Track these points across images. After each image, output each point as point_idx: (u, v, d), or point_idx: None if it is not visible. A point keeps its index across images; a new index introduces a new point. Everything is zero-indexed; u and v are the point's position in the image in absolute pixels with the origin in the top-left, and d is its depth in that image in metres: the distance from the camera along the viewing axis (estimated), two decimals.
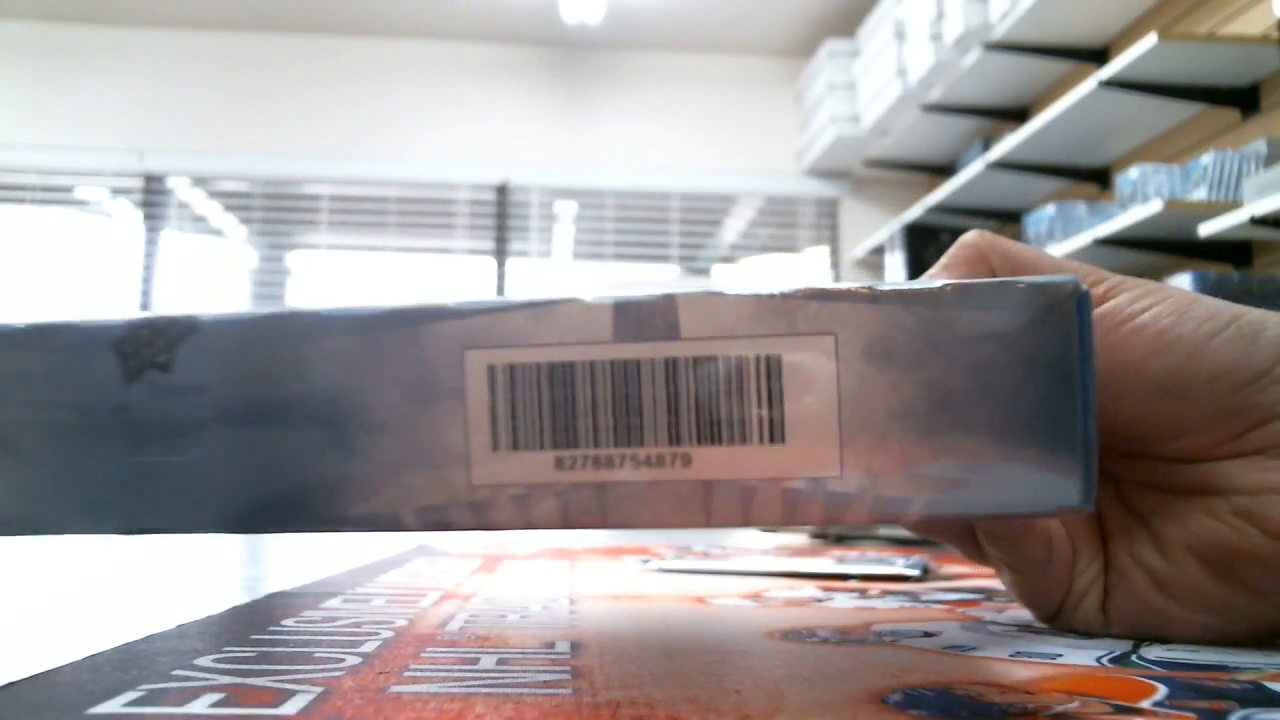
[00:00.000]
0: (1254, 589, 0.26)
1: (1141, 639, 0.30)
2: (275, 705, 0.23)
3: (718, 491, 0.17)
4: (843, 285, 0.18)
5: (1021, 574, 0.31)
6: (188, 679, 0.25)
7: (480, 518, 0.18)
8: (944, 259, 0.30)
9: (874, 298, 0.17)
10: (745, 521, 0.18)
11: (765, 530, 0.89)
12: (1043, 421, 0.17)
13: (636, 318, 0.17)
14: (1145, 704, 0.26)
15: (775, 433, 0.17)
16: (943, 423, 0.17)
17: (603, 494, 0.18)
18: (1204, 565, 0.26)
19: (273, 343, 0.17)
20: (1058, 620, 0.32)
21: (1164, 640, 0.30)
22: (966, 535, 0.32)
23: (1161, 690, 0.27)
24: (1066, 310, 0.17)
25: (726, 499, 0.17)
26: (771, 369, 0.16)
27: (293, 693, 0.24)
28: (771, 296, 0.17)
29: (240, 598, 0.41)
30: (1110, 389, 0.25)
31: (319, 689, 0.25)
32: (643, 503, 0.18)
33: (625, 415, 0.17)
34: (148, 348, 0.17)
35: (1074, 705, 0.25)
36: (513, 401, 0.17)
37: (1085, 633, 0.31)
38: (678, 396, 0.17)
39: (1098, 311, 0.25)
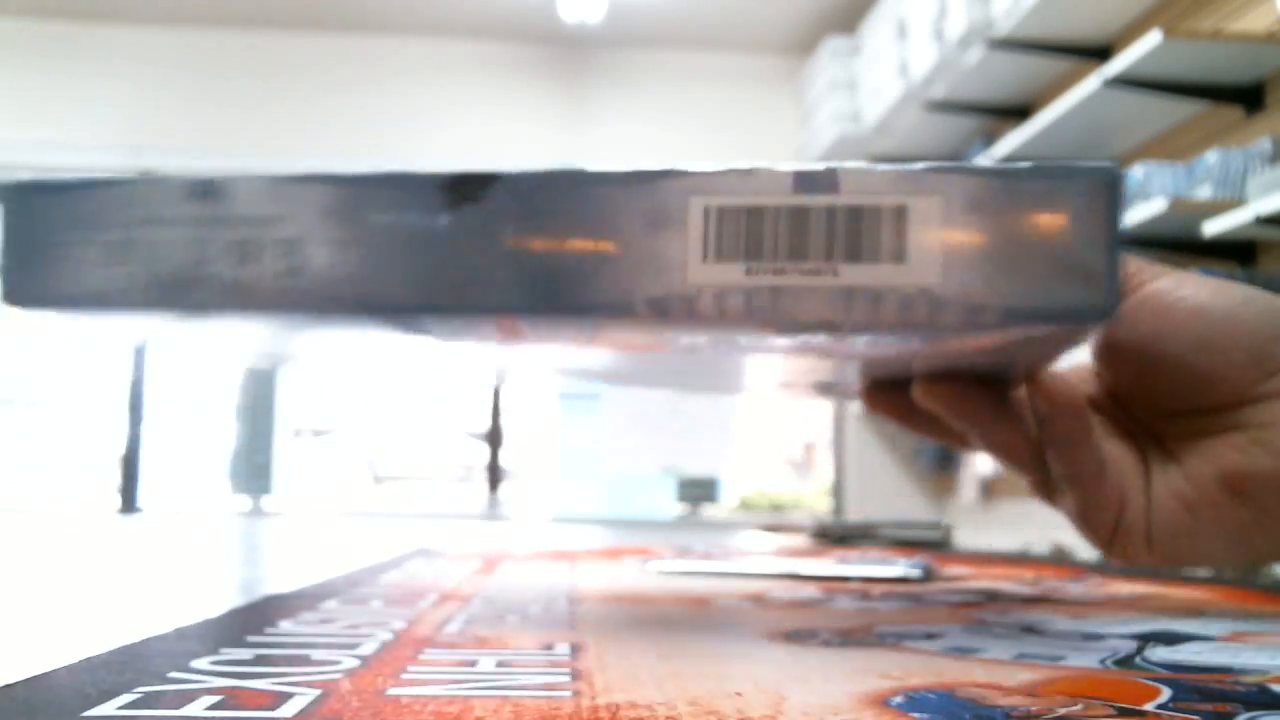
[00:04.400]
0: (1263, 506, 0.31)
1: (1178, 563, 0.35)
2: (273, 708, 0.22)
3: (856, 295, 0.25)
4: (951, 163, 0.25)
5: (1080, 489, 0.35)
6: (184, 681, 0.25)
7: (689, 307, 0.26)
8: None
9: (972, 171, 0.25)
10: (874, 317, 0.25)
11: (765, 530, 0.89)
12: (1082, 248, 0.25)
13: (809, 180, 0.25)
14: (1149, 706, 0.26)
15: (900, 255, 0.25)
16: (1014, 252, 0.24)
17: (776, 294, 0.25)
18: (1224, 488, 0.32)
19: (557, 187, 0.25)
20: (1111, 549, 0.36)
21: (1195, 563, 0.35)
22: (1036, 457, 0.35)
23: (1165, 693, 0.27)
24: (1104, 183, 0.25)
25: (862, 300, 0.25)
26: (899, 214, 0.24)
27: (290, 695, 0.24)
28: (902, 170, 0.25)
29: (237, 599, 0.40)
30: (1157, 348, 0.31)
31: (317, 691, 0.25)
32: (802, 299, 0.25)
33: (795, 240, 0.25)
34: (466, 185, 0.25)
35: (1077, 708, 0.25)
36: (720, 231, 0.25)
37: (1132, 561, 0.36)
38: (834, 230, 0.25)
39: (1148, 290, 0.32)
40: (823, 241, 0.25)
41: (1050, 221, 0.25)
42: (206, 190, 0.25)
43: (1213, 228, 1.74)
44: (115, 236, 0.25)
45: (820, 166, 0.25)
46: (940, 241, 0.24)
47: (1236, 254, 1.98)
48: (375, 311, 0.25)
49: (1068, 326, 0.25)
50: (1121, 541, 0.35)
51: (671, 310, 0.25)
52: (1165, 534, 0.33)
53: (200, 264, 0.25)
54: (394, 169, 0.25)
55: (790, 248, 0.25)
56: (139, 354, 3.58)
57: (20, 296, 0.26)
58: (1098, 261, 0.25)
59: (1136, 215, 1.90)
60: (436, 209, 0.25)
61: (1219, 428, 0.31)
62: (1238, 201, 1.74)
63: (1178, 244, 1.98)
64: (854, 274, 0.25)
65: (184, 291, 0.25)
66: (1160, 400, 0.32)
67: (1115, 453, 0.34)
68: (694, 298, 0.25)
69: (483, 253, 0.25)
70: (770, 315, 0.25)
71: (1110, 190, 0.26)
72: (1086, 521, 0.35)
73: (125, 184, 0.25)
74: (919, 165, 0.25)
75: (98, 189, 0.26)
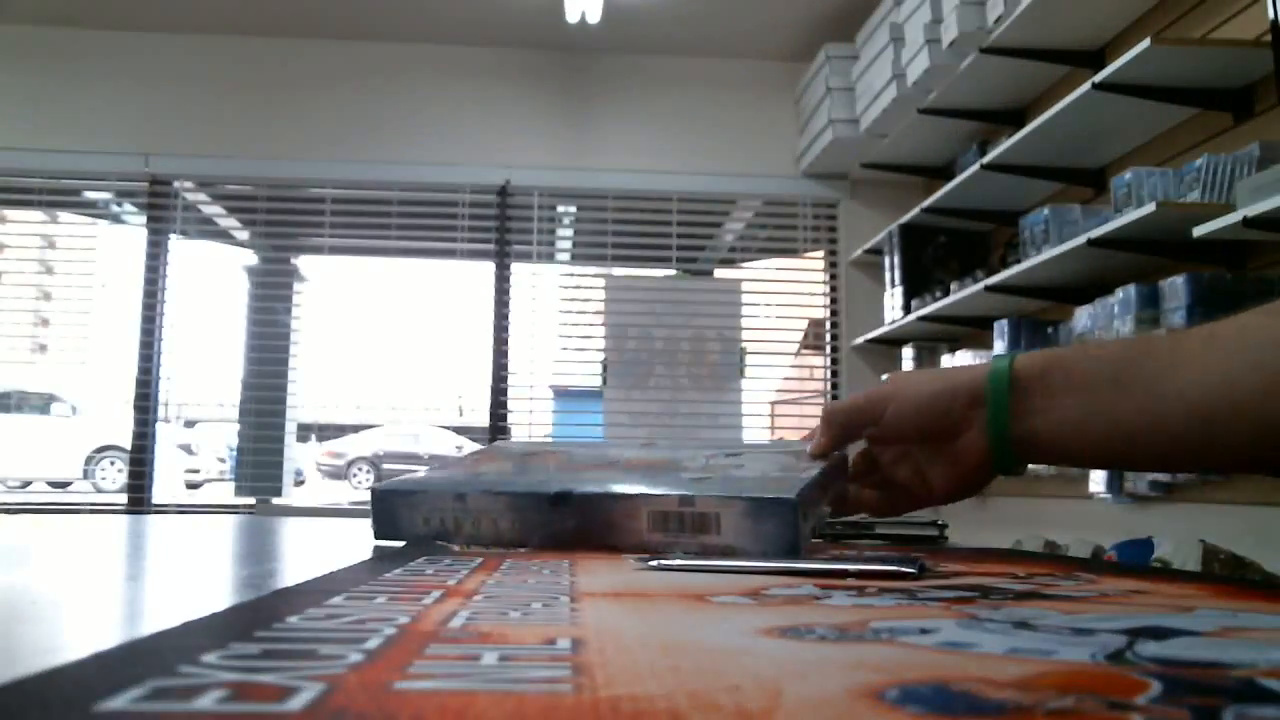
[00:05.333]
0: (982, 472, 0.66)
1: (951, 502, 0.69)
2: (281, 701, 0.23)
3: (704, 546, 0.67)
4: (734, 495, 0.66)
5: (885, 493, 0.74)
6: (194, 675, 0.25)
7: (644, 546, 0.69)
8: (818, 429, 0.73)
9: (744, 499, 0.64)
10: (709, 553, 0.66)
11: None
12: (784, 532, 0.62)
13: (688, 501, 0.67)
14: (1140, 700, 0.26)
15: (719, 531, 0.67)
16: (758, 529, 0.63)
17: (673, 544, 0.69)
18: (968, 467, 0.67)
19: (592, 499, 0.69)
20: (900, 511, 0.74)
21: (957, 500, 0.69)
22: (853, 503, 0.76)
23: (1155, 686, 0.28)
24: (790, 507, 0.62)
25: (704, 549, 0.67)
26: (718, 517, 0.65)
27: (298, 689, 0.24)
28: (720, 497, 0.66)
29: (245, 595, 0.41)
30: (898, 428, 0.68)
31: (323, 685, 0.25)
32: (681, 545, 0.68)
33: (680, 525, 0.68)
34: (560, 497, 0.69)
35: (1069, 702, 0.26)
36: (653, 520, 0.69)
37: (918, 508, 0.72)
38: (694, 521, 0.67)
39: (885, 390, 0.69)
40: (691, 525, 0.63)
41: (773, 520, 0.61)
42: (458, 494, 0.69)
43: (1201, 231, 1.75)
44: (423, 513, 0.70)
45: (690, 494, 0.64)
46: (733, 526, 0.62)
47: (1225, 257, 1.99)
48: (522, 544, 0.68)
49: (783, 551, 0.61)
50: (907, 506, 0.72)
51: (636, 548, 0.64)
52: (943, 495, 0.68)
53: (459, 525, 0.70)
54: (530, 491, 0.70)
55: (679, 527, 0.64)
56: (147, 354, 3.57)
57: (382, 536, 0.72)
58: (790, 534, 0.61)
59: (1126, 219, 1.91)
60: (547, 507, 0.68)
61: (947, 445, 0.66)
62: (1226, 206, 1.75)
63: (1167, 247, 1.99)
64: (703, 538, 0.63)
65: (450, 537, 0.70)
66: (913, 440, 0.69)
67: (903, 470, 0.71)
68: (646, 543, 0.65)
69: (563, 523, 0.68)
70: (669, 548, 0.63)
71: (793, 510, 0.61)
72: (893, 507, 0.73)
73: (428, 490, 0.71)
74: (720, 495, 0.64)
75: (415, 493, 0.71)
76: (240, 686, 0.25)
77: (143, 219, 3.87)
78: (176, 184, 3.88)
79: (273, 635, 0.32)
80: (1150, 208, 1.86)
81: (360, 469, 11.18)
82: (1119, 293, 1.98)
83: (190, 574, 0.52)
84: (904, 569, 0.50)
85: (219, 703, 0.23)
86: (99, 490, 7.96)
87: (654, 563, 0.55)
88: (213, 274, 4.05)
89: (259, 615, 0.36)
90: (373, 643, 0.31)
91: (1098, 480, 2.17)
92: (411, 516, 0.78)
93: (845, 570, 0.50)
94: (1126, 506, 2.17)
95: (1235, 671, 0.31)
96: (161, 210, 3.84)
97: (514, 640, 0.33)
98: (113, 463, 8.14)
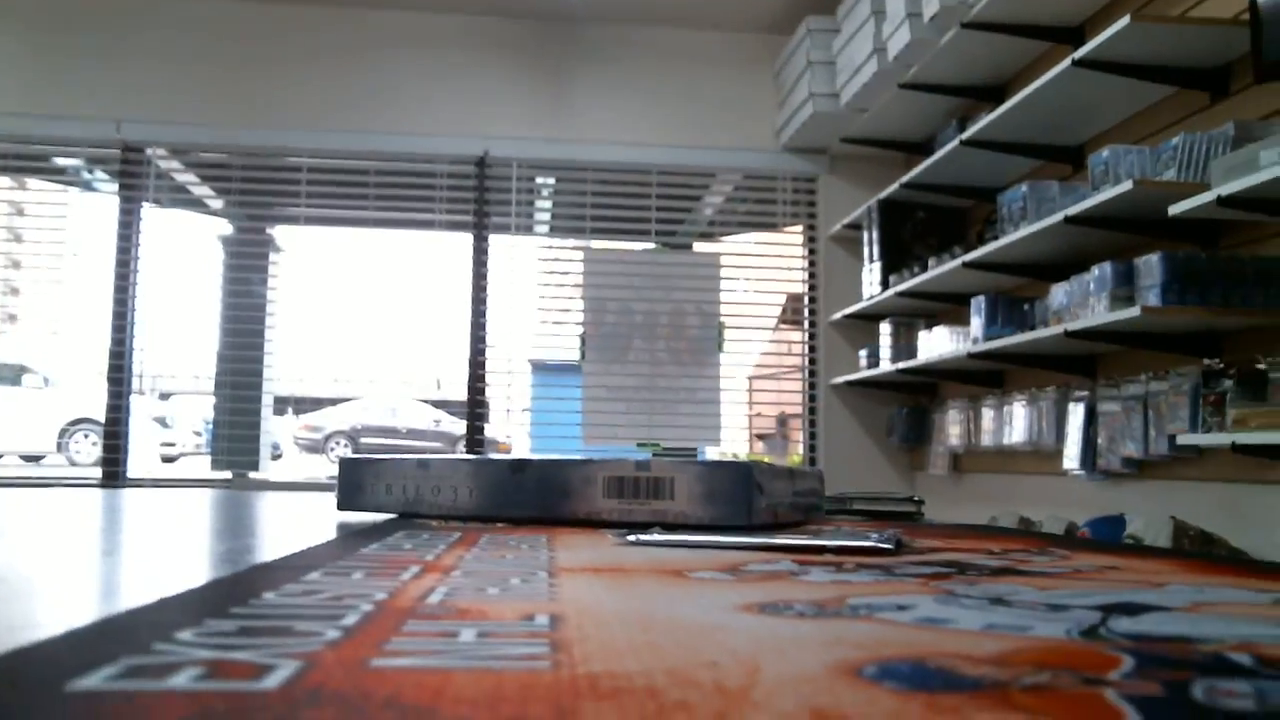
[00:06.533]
0: None
1: None
2: (256, 679, 0.23)
3: (657, 511, 0.96)
4: (686, 459, 1.26)
5: None
6: (168, 653, 0.25)
7: (599, 515, 0.99)
8: None
9: (698, 464, 0.96)
10: (663, 518, 0.94)
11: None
12: (737, 491, 0.91)
13: (644, 466, 1.02)
14: (1113, 675, 0.26)
15: (673, 496, 0.97)
16: (713, 496, 0.93)
17: (628, 511, 0.99)
18: None
19: (550, 468, 1.03)
20: None
21: None
22: None
23: (1128, 662, 0.28)
24: (745, 472, 0.91)
25: (658, 513, 0.96)
26: (671, 482, 0.96)
27: (274, 667, 0.24)
28: (673, 462, 0.97)
29: (221, 571, 0.41)
30: None
31: (299, 663, 0.25)
32: (635, 514, 0.97)
33: (636, 489, 1.00)
34: (518, 465, 1.02)
35: (1044, 677, 0.26)
36: (609, 486, 1.01)
37: None
38: (649, 486, 0.98)
39: None
40: (646, 490, 0.95)
41: (727, 487, 0.90)
42: (422, 464, 1.07)
43: (1177, 209, 1.76)
44: (388, 482, 1.08)
45: (646, 458, 1.01)
46: (688, 492, 0.92)
47: (1199, 235, 2.01)
48: (485, 515, 0.99)
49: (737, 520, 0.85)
50: None
51: (591, 516, 0.95)
52: None
53: (420, 494, 1.05)
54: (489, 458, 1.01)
55: (635, 493, 0.95)
56: (122, 322, 3.53)
57: (345, 506, 1.04)
58: (742, 500, 0.88)
59: (1103, 196, 1.92)
60: (507, 474, 1.01)
61: None
62: (1202, 185, 1.76)
63: (1143, 224, 2.01)
64: (656, 504, 0.94)
65: (414, 506, 1.05)
66: None
67: None
68: (600, 510, 0.95)
69: (522, 491, 0.99)
70: (625, 517, 0.94)
71: (746, 477, 0.89)
72: None
73: (393, 461, 1.08)
74: (674, 460, 0.94)
75: (380, 463, 1.09)
76: (215, 664, 0.24)
77: (115, 186, 3.81)
78: (149, 151, 3.82)
79: (249, 612, 0.32)
80: (1127, 185, 1.87)
81: (338, 443, 11.15)
82: (1095, 270, 1.99)
83: (166, 549, 0.51)
84: (881, 545, 0.50)
85: (194, 680, 0.22)
86: (73, 464, 7.88)
87: (632, 538, 0.55)
88: (187, 243, 3.99)
89: (235, 591, 0.36)
90: (350, 619, 0.31)
91: (1071, 457, 2.20)
92: (375, 486, 0.96)
93: (823, 546, 0.51)
94: (1099, 484, 2.19)
95: (1204, 646, 0.31)
96: (134, 178, 3.79)
97: (492, 616, 0.32)
98: (86, 435, 8.06)
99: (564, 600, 0.36)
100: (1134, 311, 1.75)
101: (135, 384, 3.83)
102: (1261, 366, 1.56)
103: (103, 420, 3.73)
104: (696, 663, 0.27)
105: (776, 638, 0.31)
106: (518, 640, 0.29)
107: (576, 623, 0.32)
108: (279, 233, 4.21)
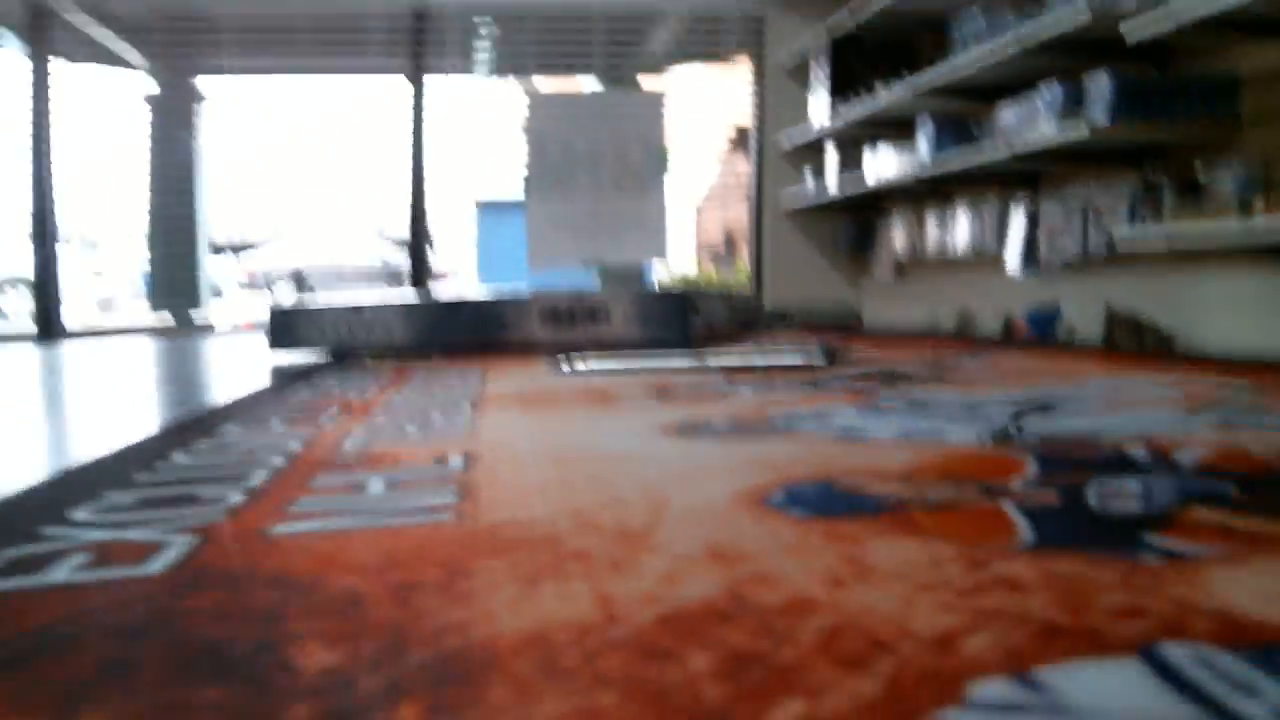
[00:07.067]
0: None
1: None
2: (141, 563, 0.22)
3: (594, 335, 1.57)
4: (627, 290, 1.52)
5: None
6: (56, 539, 0.24)
7: (534, 343, 1.53)
8: None
9: (636, 294, 1.74)
10: (599, 341, 1.57)
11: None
12: (674, 318, 1.67)
13: (579, 295, 1.74)
14: (1015, 485, 0.27)
15: (609, 321, 1.65)
16: (651, 319, 1.69)
17: (565, 338, 1.56)
18: None
19: (491, 305, 1.77)
20: None
21: None
22: None
23: (1031, 467, 0.29)
24: (683, 299, 1.72)
25: (596, 336, 1.55)
26: (607, 307, 1.74)
27: (165, 545, 0.24)
28: (609, 295, 1.64)
29: (137, 430, 0.40)
30: None
31: (194, 538, 0.24)
32: (575, 339, 1.67)
33: (574, 318, 1.69)
34: (454, 305, 1.74)
35: (947, 492, 0.26)
36: (545, 314, 1.72)
37: None
38: (587, 311, 1.73)
39: None
40: (585, 316, 1.71)
41: (663, 309, 1.69)
42: (355, 308, 1.73)
43: (1131, 31, 1.69)
44: (321, 325, 1.70)
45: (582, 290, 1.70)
46: (624, 316, 1.70)
47: (1152, 56, 1.93)
48: (417, 352, 1.56)
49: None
50: None
51: (526, 345, 1.62)
52: None
53: (354, 334, 1.68)
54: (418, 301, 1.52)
55: (571, 320, 1.70)
56: (41, 179, 3.35)
57: (277, 345, 1.67)
58: (679, 323, 1.62)
59: (1060, 21, 1.83)
60: (442, 313, 1.69)
61: None
62: (1159, 3, 1.67)
63: (1096, 46, 1.92)
64: (594, 329, 1.69)
65: (347, 347, 1.67)
66: None
67: None
68: (535, 340, 1.63)
69: (458, 327, 1.65)
70: (562, 344, 1.60)
71: (681, 300, 1.71)
72: None
73: (328, 310, 1.73)
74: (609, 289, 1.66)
75: (315, 312, 1.74)
76: (103, 548, 0.24)
77: (23, 46, 3.52)
78: (59, 6, 3.50)
79: (154, 479, 0.31)
80: (1083, 9, 1.78)
81: (282, 281, 10.95)
82: (1043, 89, 1.93)
83: (83, 410, 0.50)
84: (813, 361, 0.50)
85: (74, 571, 0.22)
86: (4, 319, 7.69)
87: (567, 367, 0.55)
88: (106, 97, 3.74)
89: (143, 454, 0.35)
90: (258, 479, 0.30)
91: (1013, 258, 2.20)
92: (308, 329, 0.93)
93: (754, 366, 0.51)
94: (1038, 281, 2.21)
95: (1104, 441, 0.32)
96: (42, 33, 3.49)
97: (405, 461, 0.32)
98: (16, 287, 7.83)
99: (481, 438, 0.36)
100: (1082, 132, 1.73)
101: (63, 238, 3.69)
102: (1200, 178, 1.58)
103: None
104: (603, 501, 0.27)
105: (688, 464, 0.31)
106: (425, 488, 0.28)
107: (489, 461, 0.32)
108: (203, 81, 3.98)
